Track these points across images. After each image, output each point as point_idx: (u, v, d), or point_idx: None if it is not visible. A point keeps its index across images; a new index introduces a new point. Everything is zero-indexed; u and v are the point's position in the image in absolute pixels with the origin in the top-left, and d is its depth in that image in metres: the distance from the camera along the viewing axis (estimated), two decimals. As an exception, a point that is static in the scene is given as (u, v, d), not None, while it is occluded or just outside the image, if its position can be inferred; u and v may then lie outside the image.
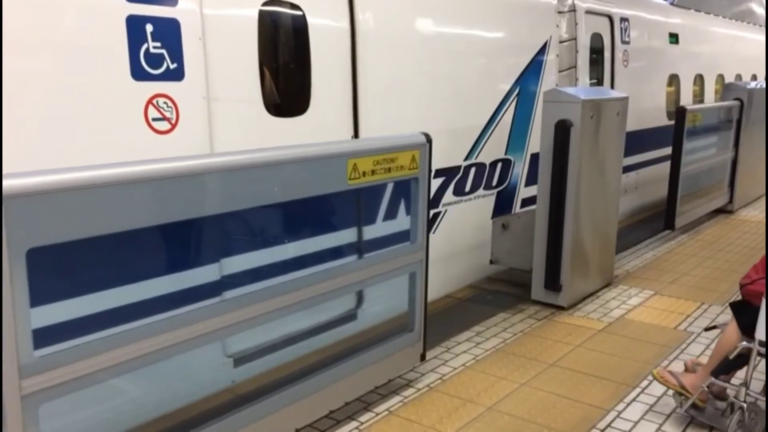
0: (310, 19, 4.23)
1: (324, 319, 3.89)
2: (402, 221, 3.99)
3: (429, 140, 3.65)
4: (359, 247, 4.12)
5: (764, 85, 9.28)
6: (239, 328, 2.92)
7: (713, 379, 3.32)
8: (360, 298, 4.27)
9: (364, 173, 3.29)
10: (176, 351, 2.65)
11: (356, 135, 4.61)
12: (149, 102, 3.38)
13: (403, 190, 3.83)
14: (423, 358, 4.06)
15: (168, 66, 3.44)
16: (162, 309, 2.71)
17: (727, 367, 3.30)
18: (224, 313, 2.83)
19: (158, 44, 3.40)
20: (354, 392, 3.71)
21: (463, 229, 5.72)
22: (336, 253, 3.84)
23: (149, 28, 3.36)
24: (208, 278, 3.36)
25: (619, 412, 3.69)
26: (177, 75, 3.49)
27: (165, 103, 3.44)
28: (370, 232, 4.29)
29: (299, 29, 4.25)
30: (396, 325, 4.00)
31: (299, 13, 4.20)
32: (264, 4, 3.99)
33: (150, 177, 2.48)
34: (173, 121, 3.49)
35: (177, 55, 3.49)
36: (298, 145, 3.09)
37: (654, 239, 7.39)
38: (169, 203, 2.59)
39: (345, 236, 4.07)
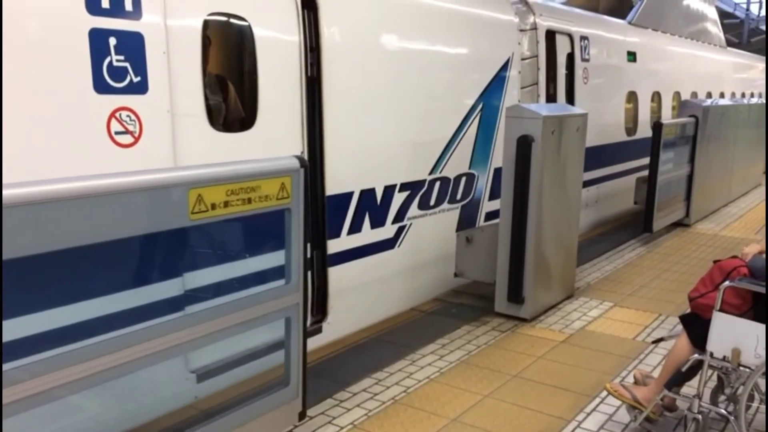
0: (257, 32, 4.11)
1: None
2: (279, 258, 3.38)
3: (304, 164, 3.16)
4: (207, 294, 3.35)
5: (720, 103, 9.60)
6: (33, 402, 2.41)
7: (666, 391, 3.40)
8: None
9: (213, 206, 2.78)
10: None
11: (321, 148, 4.63)
12: (112, 115, 3.36)
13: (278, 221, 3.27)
14: (302, 416, 3.54)
15: (131, 79, 3.43)
16: None
17: (679, 379, 3.39)
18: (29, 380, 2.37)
19: (121, 57, 3.39)
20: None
21: (427, 242, 5.78)
22: (174, 304, 3.16)
23: (112, 41, 3.34)
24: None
25: (580, 422, 3.76)
26: (140, 88, 3.47)
27: (128, 116, 3.42)
28: (233, 272, 3.58)
29: (246, 42, 4.14)
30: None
31: (245, 24, 4.10)
32: (209, 15, 3.88)
33: None
34: (136, 135, 3.47)
35: (141, 68, 3.47)
36: (115, 173, 2.57)
37: (613, 252, 7.55)
38: None
39: (194, 280, 3.34)
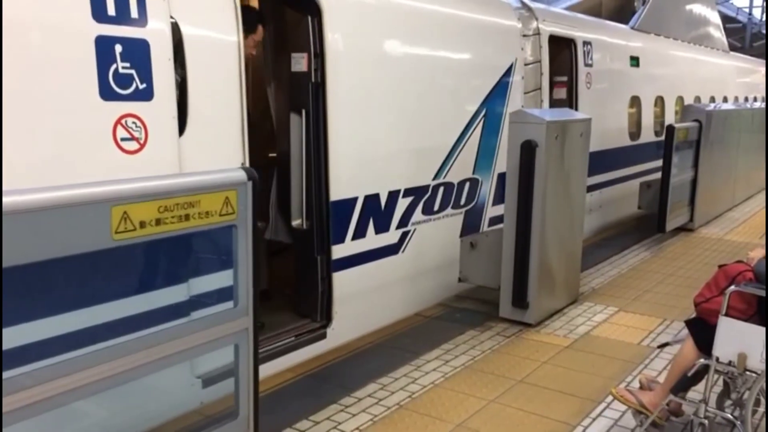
0: (185, 30, 3.75)
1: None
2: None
3: (252, 177, 2.85)
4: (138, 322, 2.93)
5: (723, 107, 9.60)
6: None
7: (672, 396, 3.39)
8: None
9: (142, 224, 2.51)
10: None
11: (326, 153, 4.64)
12: (118, 122, 3.38)
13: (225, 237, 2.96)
14: None
15: (137, 86, 3.44)
16: None
17: (685, 384, 3.39)
18: None
19: (127, 64, 3.41)
20: None
21: (431, 247, 5.78)
22: (102, 332, 2.76)
23: (118, 48, 3.37)
24: None
25: (585, 428, 3.75)
26: (146, 95, 3.49)
27: (134, 123, 3.44)
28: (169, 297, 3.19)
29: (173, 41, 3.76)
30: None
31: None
32: None
33: None
34: (142, 141, 3.49)
35: (146, 75, 3.49)
36: (18, 190, 2.26)
37: (618, 257, 7.54)
38: None
39: (123, 306, 2.94)
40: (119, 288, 2.86)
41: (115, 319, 2.76)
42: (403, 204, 5.40)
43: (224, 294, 2.98)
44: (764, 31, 28.22)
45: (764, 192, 12.05)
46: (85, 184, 2.44)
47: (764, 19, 29.36)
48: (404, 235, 5.47)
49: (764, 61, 18.19)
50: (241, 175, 2.85)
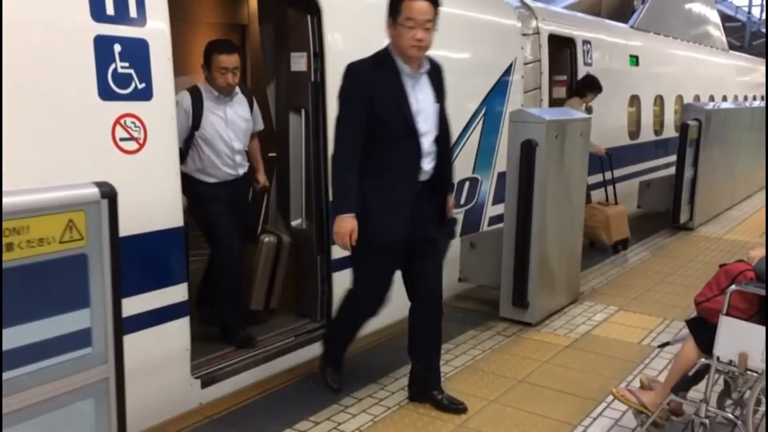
0: None
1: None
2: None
3: (108, 194, 2.32)
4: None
5: (722, 106, 9.61)
6: None
7: (673, 396, 3.38)
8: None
9: None
10: None
11: (324, 153, 4.62)
12: (117, 122, 3.37)
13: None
14: None
15: (136, 86, 3.43)
16: None
17: (685, 383, 3.38)
18: None
19: (126, 64, 3.40)
20: None
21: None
22: None
23: (117, 48, 3.35)
24: None
25: (586, 428, 3.74)
26: (145, 95, 3.48)
27: (133, 123, 3.42)
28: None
29: None
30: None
31: None
32: None
33: None
34: (141, 141, 3.47)
35: (145, 75, 3.48)
36: None
37: (617, 256, 7.54)
38: None
39: None
40: None
41: None
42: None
43: (78, 338, 2.37)
44: (764, 30, 28.23)
45: (764, 191, 12.06)
46: None
47: (764, 17, 29.37)
48: (404, 234, 5.44)
49: (764, 60, 18.20)
50: (92, 191, 2.30)
